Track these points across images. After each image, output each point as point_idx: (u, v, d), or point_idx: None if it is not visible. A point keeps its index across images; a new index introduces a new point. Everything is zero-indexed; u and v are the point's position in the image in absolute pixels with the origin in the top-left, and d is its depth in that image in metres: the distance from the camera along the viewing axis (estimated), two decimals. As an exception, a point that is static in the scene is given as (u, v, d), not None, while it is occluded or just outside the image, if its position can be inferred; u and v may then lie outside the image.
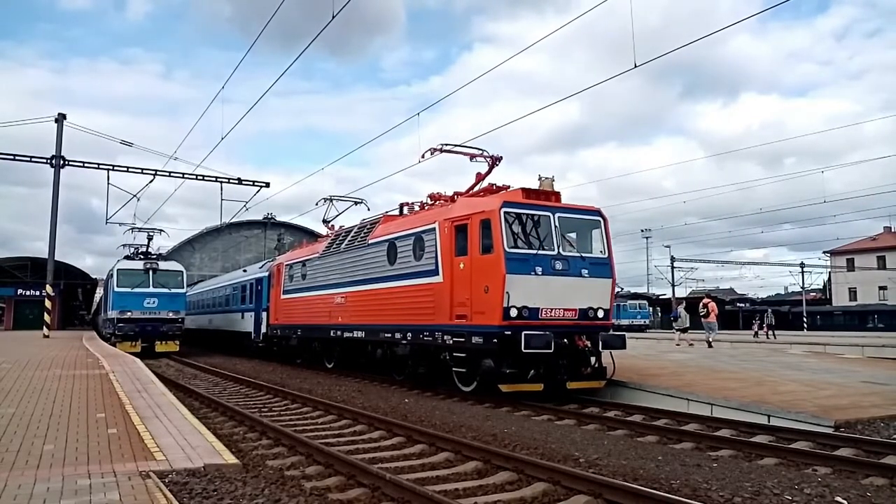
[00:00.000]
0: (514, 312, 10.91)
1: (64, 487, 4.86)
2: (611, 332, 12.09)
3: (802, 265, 62.53)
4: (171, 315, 25.57)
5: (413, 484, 5.78)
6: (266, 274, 24.23)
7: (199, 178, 29.31)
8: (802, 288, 62.05)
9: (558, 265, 11.49)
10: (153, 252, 28.25)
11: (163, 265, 26.27)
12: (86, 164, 28.16)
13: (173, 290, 25.84)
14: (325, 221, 20.93)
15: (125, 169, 28.39)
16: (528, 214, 11.67)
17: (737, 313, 66.58)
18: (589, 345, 11.48)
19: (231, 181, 29.46)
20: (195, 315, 35.87)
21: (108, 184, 27.73)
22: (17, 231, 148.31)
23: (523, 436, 8.53)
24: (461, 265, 12.00)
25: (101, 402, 9.30)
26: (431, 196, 15.09)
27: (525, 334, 10.62)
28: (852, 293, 69.94)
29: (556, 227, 11.73)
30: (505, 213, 11.37)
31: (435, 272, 12.73)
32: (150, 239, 28.49)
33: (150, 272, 25.40)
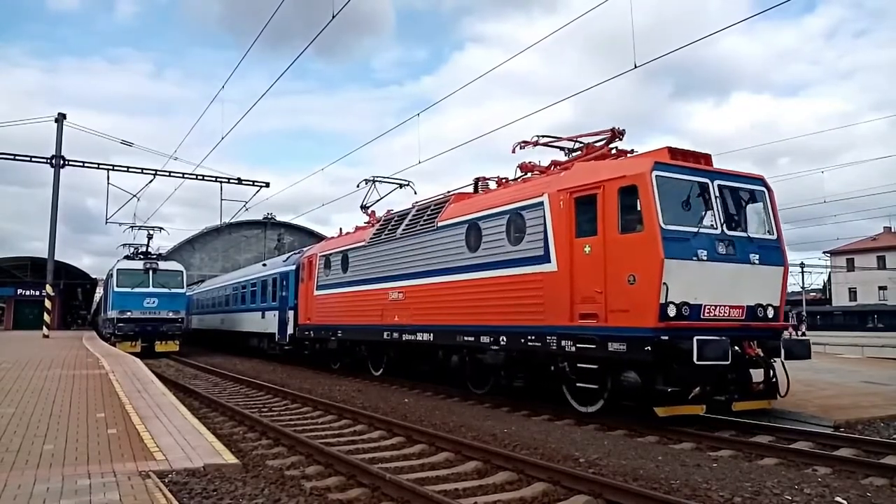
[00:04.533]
0: (672, 311, 8.39)
1: (64, 487, 4.86)
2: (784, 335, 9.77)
3: (802, 265, 62.58)
4: (171, 315, 25.57)
5: (413, 484, 5.78)
6: (293, 268, 21.71)
7: (199, 178, 29.32)
8: (802, 288, 62.09)
9: (722, 248, 8.98)
10: (153, 252, 28.25)
11: (163, 265, 26.26)
12: (86, 164, 28.17)
13: (173, 290, 25.83)
14: (363, 207, 18.40)
15: (125, 169, 28.42)
16: (684, 180, 9.12)
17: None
18: (761, 353, 9.16)
19: (231, 181, 29.48)
20: (204, 315, 34.59)
21: (108, 184, 27.78)
22: (14, 231, 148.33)
23: (523, 436, 8.53)
24: (586, 249, 9.39)
25: (101, 402, 9.30)
26: (522, 167, 12.50)
27: (698, 340, 8.07)
28: (852, 293, 69.91)
29: (716, 197, 9.20)
30: (658, 177, 8.74)
31: (544, 259, 10.15)
32: (149, 238, 28.52)
33: (150, 272, 25.39)
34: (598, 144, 11.25)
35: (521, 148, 12.30)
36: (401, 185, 18.35)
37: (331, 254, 18.46)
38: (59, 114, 27.96)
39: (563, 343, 9.71)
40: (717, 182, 9.34)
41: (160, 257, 27.68)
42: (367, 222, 17.72)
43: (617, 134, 10.90)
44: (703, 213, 9.21)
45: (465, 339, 12.00)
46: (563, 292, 9.71)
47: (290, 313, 21.27)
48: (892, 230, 70.34)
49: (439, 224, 13.26)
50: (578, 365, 9.56)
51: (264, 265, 26.93)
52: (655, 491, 5.73)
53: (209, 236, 56.21)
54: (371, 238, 16.07)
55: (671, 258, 8.41)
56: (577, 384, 9.67)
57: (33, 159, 27.72)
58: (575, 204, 9.76)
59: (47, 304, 28.82)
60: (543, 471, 6.36)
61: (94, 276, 55.37)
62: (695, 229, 8.82)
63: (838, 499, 5.71)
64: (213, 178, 29.30)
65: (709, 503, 5.63)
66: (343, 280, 17.40)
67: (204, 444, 6.61)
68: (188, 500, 4.99)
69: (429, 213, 13.99)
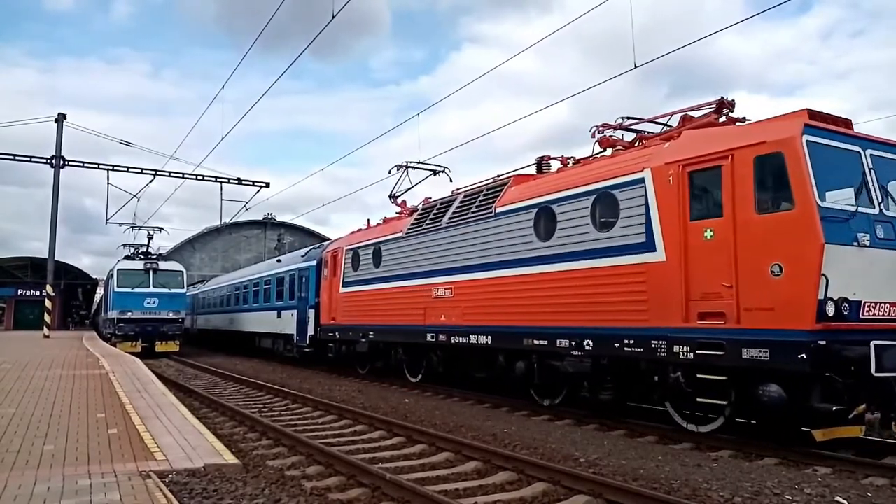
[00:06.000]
0: (830, 309, 6.82)
1: (64, 487, 4.86)
2: None
3: None
4: (171, 315, 25.57)
5: (413, 484, 5.78)
6: (312, 263, 20.27)
7: (199, 178, 29.36)
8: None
9: (881, 231, 7.37)
10: (153, 252, 28.27)
11: (163, 265, 26.28)
12: (86, 164, 28.21)
13: (173, 290, 25.84)
14: (392, 197, 16.82)
15: (125, 169, 28.46)
16: (837, 148, 7.50)
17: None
18: None
19: (231, 181, 29.51)
20: (211, 314, 33.45)
21: (108, 184, 27.81)
22: (12, 231, 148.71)
23: (523, 436, 8.53)
24: (707, 233, 7.80)
25: (102, 402, 9.30)
26: (603, 141, 10.52)
27: (877, 346, 6.71)
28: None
29: (870, 168, 7.58)
30: (809, 142, 7.14)
31: (646, 246, 8.54)
32: (150, 238, 28.54)
33: (151, 272, 25.41)
34: (698, 116, 9.44)
35: (599, 132, 10.60)
36: (435, 172, 16.73)
37: (360, 247, 16.74)
38: (59, 114, 28.02)
39: (676, 349, 8.00)
40: (869, 151, 7.70)
41: (160, 257, 27.70)
42: (399, 213, 16.17)
43: (727, 105, 9.08)
44: (858, 188, 7.53)
45: (535, 342, 10.31)
46: (675, 287, 8.06)
47: (311, 313, 19.75)
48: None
49: (498, 210, 11.52)
50: (698, 375, 7.82)
51: (279, 261, 25.34)
52: (655, 491, 5.73)
53: (209, 236, 56.21)
54: (409, 229, 14.42)
55: (832, 243, 6.80)
56: (698, 399, 7.91)
57: (33, 159, 27.76)
58: (690, 179, 8.09)
59: (47, 304, 28.85)
60: (543, 471, 6.36)
61: (94, 277, 55.47)
62: (853, 208, 7.18)
63: (838, 499, 5.71)
64: (213, 179, 29.34)
65: (709, 503, 5.63)
66: (375, 276, 15.72)
67: (204, 444, 6.61)
68: (188, 500, 4.99)
69: (482, 198, 12.27)
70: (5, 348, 22.50)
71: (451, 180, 16.58)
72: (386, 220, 16.51)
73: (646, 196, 8.61)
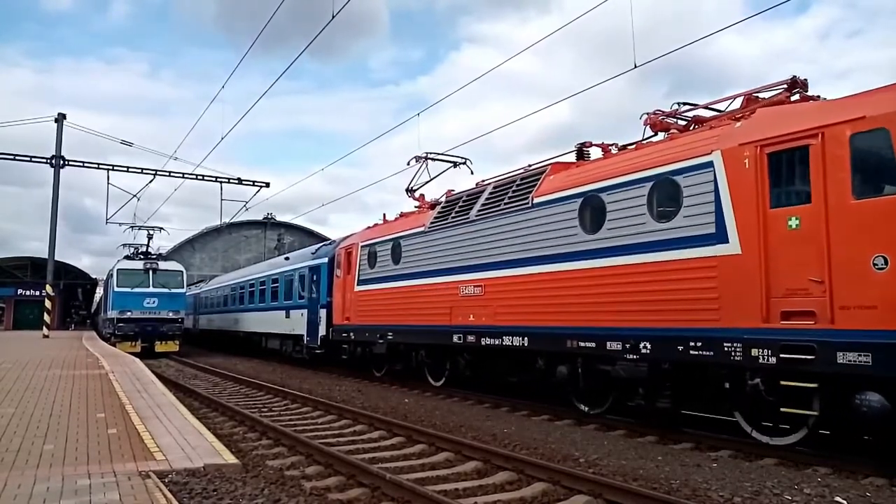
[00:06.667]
0: None
1: (64, 487, 4.86)
2: None
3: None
4: (171, 315, 25.57)
5: (413, 484, 5.78)
6: (324, 261, 19.41)
7: (199, 178, 29.38)
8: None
9: None
10: (153, 252, 28.28)
11: (163, 265, 26.28)
12: (86, 164, 28.24)
13: (173, 290, 25.84)
14: (409, 190, 15.95)
15: (125, 169, 28.48)
16: None
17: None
18: None
19: (231, 181, 29.53)
20: (213, 314, 32.73)
21: (108, 184, 27.82)
22: (11, 231, 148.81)
23: (523, 436, 8.53)
24: (791, 222, 7.01)
25: (101, 402, 9.30)
26: (654, 124, 9.58)
27: None
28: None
29: None
30: None
31: (716, 237, 7.70)
32: (150, 238, 28.56)
33: (150, 272, 25.41)
34: (765, 98, 8.65)
35: (652, 118, 9.67)
36: (455, 164, 15.93)
37: (376, 243, 15.80)
38: (59, 114, 28.05)
39: (754, 352, 7.18)
40: None
41: (160, 257, 27.71)
42: (418, 207, 15.45)
43: (800, 84, 8.32)
44: None
45: (581, 345, 9.44)
46: (752, 282, 7.26)
47: (323, 312, 18.83)
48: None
49: (535, 201, 10.64)
50: (781, 382, 6.99)
51: (287, 258, 24.44)
52: (655, 491, 5.74)
53: (209, 236, 56.24)
54: (432, 223, 13.56)
55: None
56: (781, 409, 7.04)
57: (33, 159, 27.79)
58: (769, 162, 7.29)
59: (47, 304, 28.86)
60: (543, 471, 6.36)
61: (94, 277, 55.51)
62: None
63: (838, 499, 5.71)
64: (213, 179, 29.37)
65: (709, 503, 5.64)
66: (395, 273, 14.80)
67: (204, 444, 6.61)
68: (188, 500, 4.99)
69: (516, 188, 11.36)
70: (5, 348, 22.50)
71: (472, 172, 15.91)
72: (403, 215, 15.68)
73: (715, 181, 7.78)
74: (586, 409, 10.04)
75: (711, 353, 7.64)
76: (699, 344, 7.79)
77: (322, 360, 19.35)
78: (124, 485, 4.96)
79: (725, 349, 7.49)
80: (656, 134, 9.62)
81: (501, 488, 6.18)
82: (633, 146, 9.85)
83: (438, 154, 15.73)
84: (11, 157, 27.29)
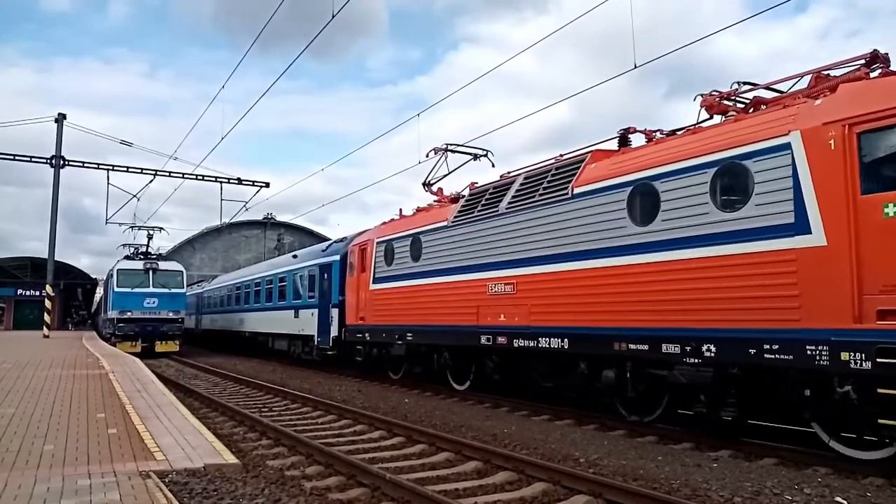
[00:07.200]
0: None
1: (64, 487, 4.86)
2: None
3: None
4: (171, 315, 25.58)
5: (413, 484, 5.79)
6: (336, 258, 18.64)
7: (199, 178, 29.39)
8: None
9: None
10: (153, 252, 28.30)
11: (163, 265, 26.29)
12: (86, 165, 28.25)
13: (173, 290, 25.85)
14: (427, 184, 15.37)
15: (125, 169, 28.49)
16: None
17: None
18: None
19: (231, 181, 29.55)
20: (217, 314, 32.12)
21: (108, 184, 27.84)
22: (10, 231, 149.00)
23: (523, 436, 8.53)
24: (889, 209, 6.30)
25: (102, 402, 9.30)
26: (710, 105, 8.85)
27: None
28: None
29: None
30: None
31: (797, 228, 6.93)
32: (149, 238, 28.57)
33: (151, 272, 25.42)
34: (839, 75, 7.93)
35: (705, 101, 8.98)
36: (476, 157, 15.25)
37: (394, 239, 15.05)
38: (59, 114, 28.07)
39: (844, 356, 6.40)
40: None
41: (160, 257, 27.72)
42: (437, 201, 14.86)
43: (881, 58, 7.59)
44: None
45: (631, 347, 8.67)
46: (840, 278, 6.51)
47: (335, 312, 18.09)
48: None
49: (576, 191, 9.85)
50: (879, 390, 6.22)
51: (295, 256, 23.69)
52: (655, 491, 5.74)
53: (209, 236, 56.26)
54: (456, 217, 12.80)
55: None
56: (880, 420, 6.25)
57: (33, 159, 27.79)
58: (860, 142, 6.55)
59: (47, 304, 28.87)
60: (543, 471, 6.37)
61: (94, 277, 55.53)
62: None
63: (838, 499, 5.71)
64: (213, 179, 29.39)
65: (709, 503, 5.64)
66: (414, 270, 14.07)
67: (204, 444, 6.61)
68: (188, 500, 5.00)
69: (552, 178, 10.57)
70: (5, 348, 22.50)
71: (493, 165, 15.18)
72: (421, 210, 15.05)
73: (793, 165, 7.00)
74: (635, 417, 9.28)
75: (791, 356, 6.82)
76: (776, 347, 6.94)
77: (334, 362, 18.72)
78: (124, 485, 4.96)
79: (808, 353, 6.68)
80: (711, 117, 8.92)
81: (501, 488, 6.18)
82: (682, 132, 9.15)
83: (459, 146, 15.11)
84: (11, 157, 27.31)
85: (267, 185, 30.54)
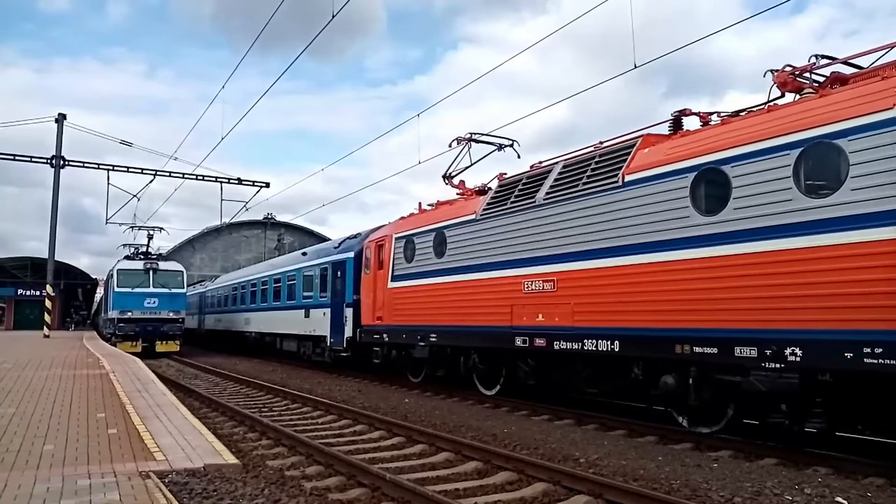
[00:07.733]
0: None
1: (64, 487, 4.86)
2: None
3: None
4: (171, 315, 25.59)
5: (413, 484, 5.78)
6: (349, 255, 17.72)
7: (199, 178, 29.39)
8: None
9: None
10: (153, 252, 28.31)
11: (163, 265, 26.30)
12: (86, 165, 28.26)
13: (174, 290, 25.85)
14: (447, 176, 14.66)
15: (125, 169, 28.49)
16: None
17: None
18: None
19: (231, 181, 29.55)
20: (221, 314, 31.41)
21: (108, 184, 27.85)
22: (11, 231, 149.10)
23: (523, 436, 8.53)
24: None
25: (102, 402, 9.30)
26: (784, 81, 7.98)
27: None
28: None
29: None
30: None
31: None
32: (150, 238, 28.58)
33: (151, 272, 25.42)
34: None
35: (778, 77, 8.11)
36: (501, 147, 14.51)
37: (415, 234, 14.21)
38: (59, 114, 28.07)
39: None
40: None
41: (160, 257, 27.72)
42: (460, 193, 14.17)
43: None
44: None
45: (697, 349, 7.78)
46: None
47: (349, 311, 17.16)
48: None
49: (627, 178, 9.00)
50: None
51: (304, 254, 22.69)
52: (655, 491, 5.74)
53: (209, 236, 56.24)
54: (485, 210, 11.92)
55: None
56: None
57: (33, 159, 27.79)
58: None
59: (47, 304, 28.88)
60: (543, 471, 6.36)
61: (94, 277, 55.55)
62: None
63: (838, 499, 5.71)
64: (214, 179, 29.39)
65: (709, 503, 5.64)
66: (438, 267, 13.18)
67: (204, 444, 6.61)
68: (188, 500, 5.00)
69: (596, 165, 9.75)
70: (5, 348, 22.51)
71: (518, 156, 14.55)
72: (442, 203, 14.31)
73: None
74: (702, 429, 8.36)
75: None
76: (879, 350, 6.07)
77: (345, 364, 17.95)
78: (124, 485, 4.96)
79: None
80: (783, 95, 8.08)
81: (502, 488, 6.18)
82: (745, 112, 8.34)
83: (484, 135, 14.41)
84: (11, 157, 27.31)
85: (267, 185, 30.56)
